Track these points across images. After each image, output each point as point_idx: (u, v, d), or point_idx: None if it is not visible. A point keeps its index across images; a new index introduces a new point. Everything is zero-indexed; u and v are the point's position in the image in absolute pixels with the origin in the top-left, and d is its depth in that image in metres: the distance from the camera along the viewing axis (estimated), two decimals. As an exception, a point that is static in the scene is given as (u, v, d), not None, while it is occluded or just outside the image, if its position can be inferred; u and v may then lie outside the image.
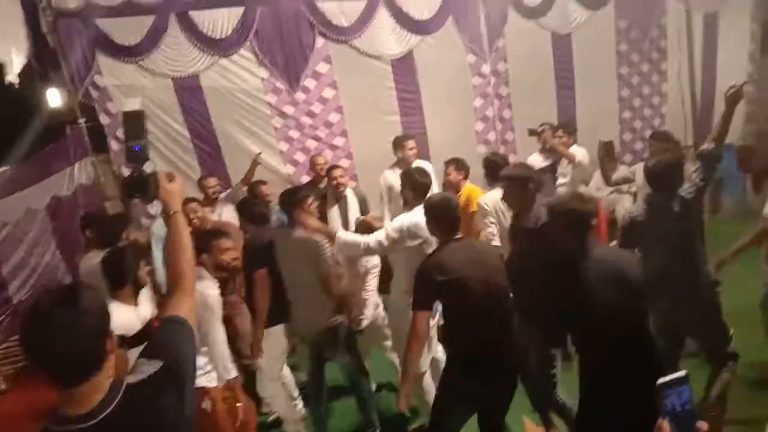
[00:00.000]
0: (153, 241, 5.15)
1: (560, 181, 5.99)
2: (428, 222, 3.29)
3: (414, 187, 3.93)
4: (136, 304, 3.37)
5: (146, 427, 1.50)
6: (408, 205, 3.98)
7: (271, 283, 4.01)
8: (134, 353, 2.17)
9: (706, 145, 3.38)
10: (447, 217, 3.19)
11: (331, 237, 3.88)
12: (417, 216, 3.59)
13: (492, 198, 4.19)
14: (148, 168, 1.92)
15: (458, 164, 4.99)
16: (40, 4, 5.57)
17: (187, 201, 5.11)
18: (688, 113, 4.09)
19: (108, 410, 1.44)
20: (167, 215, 1.89)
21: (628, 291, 2.58)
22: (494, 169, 4.39)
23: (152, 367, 1.56)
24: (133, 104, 2.63)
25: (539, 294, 2.72)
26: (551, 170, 5.97)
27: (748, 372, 4.23)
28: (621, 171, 5.51)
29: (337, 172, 5.33)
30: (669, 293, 3.22)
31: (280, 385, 4.22)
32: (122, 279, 3.30)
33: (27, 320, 1.43)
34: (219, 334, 3.33)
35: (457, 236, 3.17)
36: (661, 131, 5.54)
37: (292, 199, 3.96)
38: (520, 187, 3.59)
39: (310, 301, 3.88)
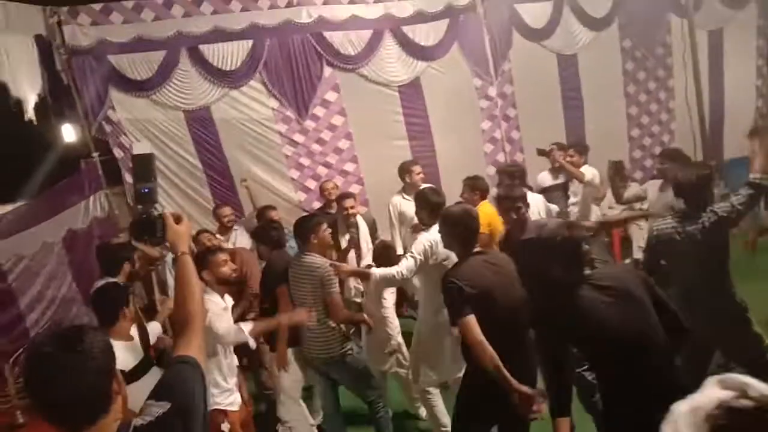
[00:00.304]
0: (167, 271, 5.21)
1: (572, 200, 6.00)
2: (445, 235, 3.32)
3: (428, 206, 4.00)
4: (131, 339, 3.36)
5: None
6: (425, 225, 4.05)
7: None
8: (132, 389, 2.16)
9: (756, 176, 3.33)
10: (466, 229, 3.22)
11: (367, 277, 4.04)
12: (435, 234, 3.67)
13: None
14: (156, 210, 1.95)
15: (471, 184, 5.01)
16: (54, 43, 5.72)
17: (200, 232, 5.18)
18: (697, 130, 4.09)
19: None
20: (175, 256, 1.90)
21: (635, 308, 2.50)
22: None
23: (161, 408, 1.51)
24: (142, 147, 2.71)
25: (535, 314, 2.71)
26: (563, 189, 5.99)
27: None
28: (632, 189, 5.52)
29: (348, 203, 5.40)
30: (698, 309, 3.17)
31: (303, 409, 4.24)
32: (112, 315, 3.24)
33: (28, 364, 1.39)
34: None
35: (476, 250, 3.21)
36: (671, 149, 5.54)
37: (307, 225, 4.04)
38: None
39: (318, 326, 3.93)
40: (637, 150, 7.92)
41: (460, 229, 3.23)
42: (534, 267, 2.60)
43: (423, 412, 4.40)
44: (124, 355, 3.14)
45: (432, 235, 3.78)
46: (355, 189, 6.89)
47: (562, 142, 6.16)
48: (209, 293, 3.47)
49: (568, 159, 5.84)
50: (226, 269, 3.62)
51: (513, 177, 4.94)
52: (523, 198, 3.94)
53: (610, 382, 2.56)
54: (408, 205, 5.61)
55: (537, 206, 4.51)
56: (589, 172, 5.86)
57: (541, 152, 5.96)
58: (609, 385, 2.58)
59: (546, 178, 6.20)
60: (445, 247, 3.42)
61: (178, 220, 1.94)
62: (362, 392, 4.12)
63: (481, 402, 3.06)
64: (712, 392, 1.12)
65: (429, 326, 3.97)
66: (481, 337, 2.92)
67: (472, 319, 2.96)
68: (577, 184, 5.85)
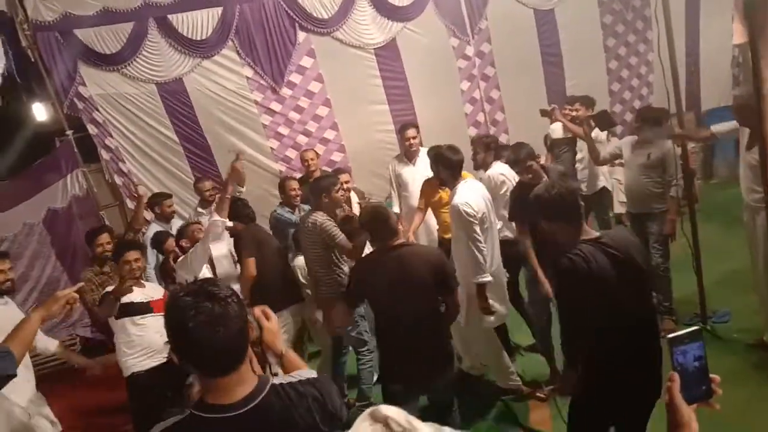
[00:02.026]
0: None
1: (579, 156, 5.97)
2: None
3: (449, 165, 3.96)
4: None
5: (285, 427, 1.56)
6: (445, 186, 4.21)
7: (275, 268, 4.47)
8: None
9: None
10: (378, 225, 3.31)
11: None
12: (466, 193, 3.85)
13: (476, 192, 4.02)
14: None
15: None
16: (16, 19, 5.55)
17: (189, 224, 5.14)
18: (669, 82, 4.07)
19: (253, 404, 1.52)
20: (277, 357, 1.89)
21: (637, 279, 2.46)
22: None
23: (308, 374, 1.68)
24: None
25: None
26: (571, 144, 5.91)
27: (742, 336, 4.28)
28: (609, 147, 5.46)
29: (343, 177, 5.20)
30: None
31: None
32: None
33: (179, 315, 1.47)
34: None
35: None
36: (645, 108, 5.49)
37: (321, 185, 4.23)
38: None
39: (327, 277, 4.19)
40: (618, 104, 7.89)
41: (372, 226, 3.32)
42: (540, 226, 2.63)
43: None
44: None
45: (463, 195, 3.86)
46: (336, 157, 6.86)
47: (581, 96, 5.99)
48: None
49: (573, 113, 5.75)
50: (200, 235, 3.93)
51: (488, 147, 4.88)
52: (532, 155, 4.14)
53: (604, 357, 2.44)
54: (404, 168, 5.66)
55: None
56: (597, 129, 5.83)
57: (544, 113, 5.88)
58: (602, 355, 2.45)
59: (558, 130, 6.10)
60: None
61: (267, 316, 1.89)
62: (359, 339, 4.35)
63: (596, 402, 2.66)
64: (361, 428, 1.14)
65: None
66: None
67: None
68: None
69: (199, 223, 4.54)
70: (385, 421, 1.12)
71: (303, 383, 1.64)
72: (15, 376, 2.23)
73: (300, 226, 4.46)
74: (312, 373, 1.71)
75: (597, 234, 2.51)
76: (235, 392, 1.53)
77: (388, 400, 3.13)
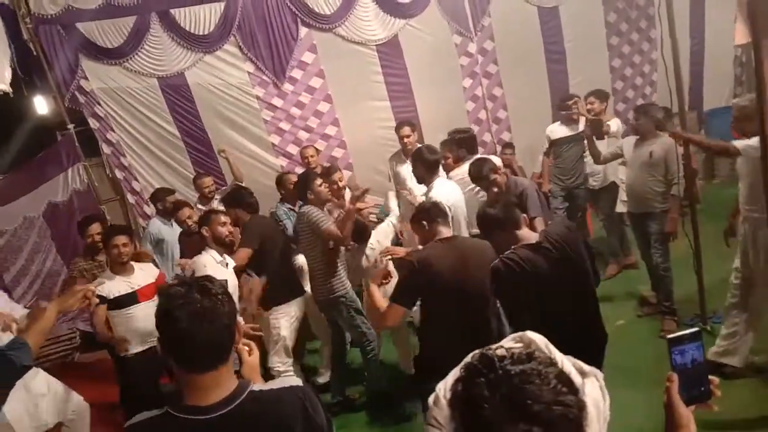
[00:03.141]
0: (144, 238, 5.45)
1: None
2: None
3: (425, 163, 4.28)
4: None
5: None
6: (423, 182, 4.40)
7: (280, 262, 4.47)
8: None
9: None
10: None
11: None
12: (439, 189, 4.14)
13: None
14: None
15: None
16: (18, 12, 5.55)
17: (180, 205, 5.16)
18: (672, 82, 4.06)
19: (230, 407, 1.50)
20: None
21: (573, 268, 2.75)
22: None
23: (291, 382, 1.64)
24: None
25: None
26: (578, 141, 5.85)
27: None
28: (610, 147, 5.43)
29: (337, 176, 5.14)
30: None
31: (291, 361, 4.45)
32: None
33: (167, 307, 1.48)
34: None
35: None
36: (645, 104, 5.41)
37: (303, 181, 4.39)
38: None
39: (321, 270, 4.25)
40: (621, 103, 7.87)
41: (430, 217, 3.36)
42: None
43: None
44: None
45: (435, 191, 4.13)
46: (337, 153, 6.85)
47: (595, 90, 5.90)
48: (207, 250, 3.87)
49: (588, 107, 5.66)
50: (223, 230, 3.88)
51: (461, 144, 4.85)
52: (494, 168, 4.21)
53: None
54: (402, 166, 5.65)
55: (452, 193, 4.28)
56: (614, 124, 5.77)
57: (562, 107, 5.83)
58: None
59: (557, 130, 6.01)
60: None
61: (250, 351, 1.86)
62: (357, 332, 4.37)
63: None
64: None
65: None
66: None
67: None
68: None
69: (222, 213, 4.46)
70: (528, 344, 1.19)
71: (286, 390, 1.61)
72: (31, 367, 2.28)
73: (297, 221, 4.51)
74: (297, 381, 1.67)
75: (536, 239, 2.79)
76: (212, 394, 1.50)
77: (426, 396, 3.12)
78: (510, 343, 1.22)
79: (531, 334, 1.23)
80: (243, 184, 5.88)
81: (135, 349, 4.10)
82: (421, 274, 3.01)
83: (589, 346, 2.62)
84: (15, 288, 6.54)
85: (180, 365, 1.51)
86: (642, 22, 7.68)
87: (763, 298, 3.86)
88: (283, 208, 5.22)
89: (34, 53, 5.80)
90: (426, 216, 3.25)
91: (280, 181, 5.37)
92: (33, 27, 5.68)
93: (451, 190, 4.27)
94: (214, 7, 6.15)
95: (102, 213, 6.32)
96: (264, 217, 4.87)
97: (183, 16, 6.09)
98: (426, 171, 4.32)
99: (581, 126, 5.80)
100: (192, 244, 4.75)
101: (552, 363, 1.08)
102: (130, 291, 4.07)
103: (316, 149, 6.10)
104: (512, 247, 2.75)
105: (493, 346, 1.14)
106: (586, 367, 1.20)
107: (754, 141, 3.38)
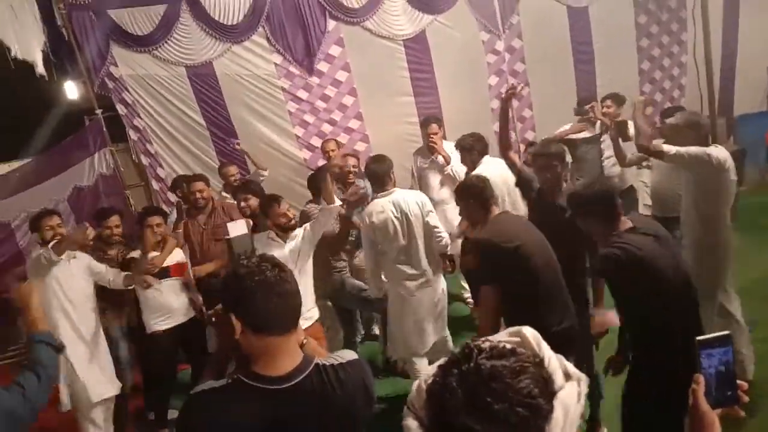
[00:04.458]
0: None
1: (606, 154, 5.84)
2: None
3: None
4: None
5: (327, 405, 1.60)
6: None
7: None
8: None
9: None
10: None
11: None
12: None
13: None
14: None
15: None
16: (53, -2, 5.63)
17: (196, 178, 5.21)
18: (704, 86, 4.00)
19: (299, 378, 1.58)
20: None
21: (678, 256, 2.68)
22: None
23: (349, 356, 1.73)
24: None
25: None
26: (594, 142, 5.80)
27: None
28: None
29: (351, 161, 5.25)
30: None
31: None
32: None
33: (251, 271, 1.59)
34: None
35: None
36: (671, 108, 5.34)
37: (317, 178, 4.54)
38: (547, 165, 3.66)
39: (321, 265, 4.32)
40: (649, 106, 7.76)
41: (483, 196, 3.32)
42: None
43: None
44: None
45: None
46: (360, 146, 6.85)
47: (612, 94, 5.80)
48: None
49: (604, 110, 5.61)
50: (283, 219, 3.93)
51: (471, 150, 4.77)
52: (560, 156, 3.78)
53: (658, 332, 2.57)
54: (426, 162, 5.63)
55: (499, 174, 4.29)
56: (632, 126, 5.70)
57: (580, 111, 5.78)
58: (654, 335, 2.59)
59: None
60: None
61: None
62: (368, 305, 4.61)
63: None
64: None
65: None
66: None
67: None
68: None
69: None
70: (522, 340, 1.19)
71: (348, 364, 1.68)
72: (63, 348, 2.31)
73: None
74: (353, 354, 1.74)
75: (630, 224, 2.65)
76: (284, 362, 1.58)
77: None
78: (504, 336, 1.21)
79: (525, 330, 1.21)
80: (266, 174, 5.95)
81: (161, 325, 4.28)
82: (501, 250, 2.94)
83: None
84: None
85: (258, 328, 1.58)
86: (673, 24, 7.58)
87: None
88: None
89: (67, 39, 5.87)
90: (478, 193, 3.23)
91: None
92: (66, 13, 5.75)
93: (496, 167, 4.33)
94: (244, -3, 6.18)
95: (126, 198, 6.41)
96: None
97: (212, 5, 6.13)
98: (479, 156, 4.59)
99: (597, 129, 5.77)
100: (190, 229, 4.95)
101: (535, 362, 1.07)
102: (164, 265, 4.32)
103: (338, 143, 6.09)
104: (615, 232, 2.63)
105: (485, 338, 1.14)
106: (573, 370, 1.17)
107: (694, 150, 3.53)
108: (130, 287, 4.30)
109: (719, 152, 3.64)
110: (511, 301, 2.99)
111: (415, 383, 1.20)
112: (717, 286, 3.73)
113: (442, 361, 1.13)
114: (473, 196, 3.28)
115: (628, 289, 2.61)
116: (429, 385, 1.09)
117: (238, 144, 6.25)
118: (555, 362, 1.15)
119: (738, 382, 1.34)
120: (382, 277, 4.23)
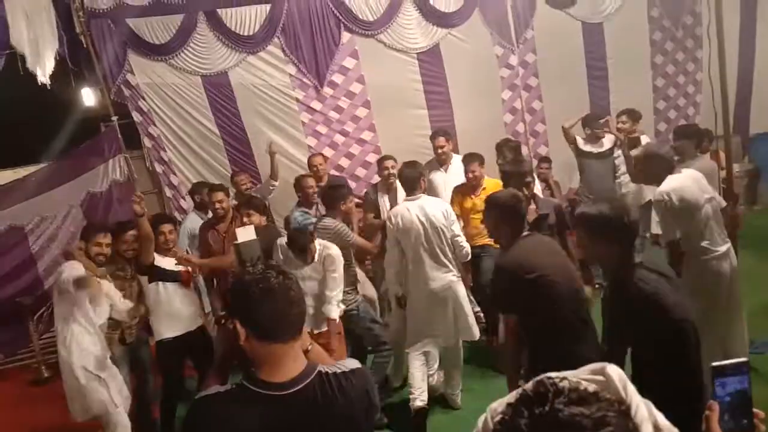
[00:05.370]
0: (180, 232, 5.37)
1: (622, 169, 5.83)
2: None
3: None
4: None
5: (329, 413, 1.61)
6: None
7: None
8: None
9: None
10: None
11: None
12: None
13: None
14: None
15: (480, 159, 5.02)
16: (72, 5, 5.71)
17: (216, 188, 5.25)
18: (719, 104, 3.97)
19: (301, 385, 1.58)
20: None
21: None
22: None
23: (353, 364, 1.73)
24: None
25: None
26: (605, 158, 5.80)
27: None
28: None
29: (388, 163, 5.36)
30: None
31: None
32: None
33: (256, 279, 1.60)
34: None
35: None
36: (685, 125, 5.35)
37: (339, 193, 4.54)
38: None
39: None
40: (662, 123, 7.74)
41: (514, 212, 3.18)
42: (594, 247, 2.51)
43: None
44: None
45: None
46: (372, 158, 6.85)
47: (627, 109, 5.89)
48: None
49: (619, 126, 5.64)
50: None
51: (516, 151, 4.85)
52: (531, 172, 4.13)
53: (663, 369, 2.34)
54: (436, 174, 5.65)
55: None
56: (645, 141, 5.70)
57: (590, 124, 5.79)
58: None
59: (580, 143, 5.98)
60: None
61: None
62: (375, 339, 4.45)
63: None
64: None
65: None
66: None
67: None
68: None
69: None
70: (607, 380, 1.07)
71: (350, 374, 1.67)
72: None
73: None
74: (356, 363, 1.74)
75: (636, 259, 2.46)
76: (287, 369, 1.59)
77: None
78: (585, 373, 1.08)
79: (611, 369, 1.08)
80: (276, 184, 5.97)
81: (170, 333, 4.31)
82: (520, 280, 2.84)
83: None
84: (47, 278, 6.63)
85: (263, 335, 1.58)
86: (688, 41, 7.56)
87: None
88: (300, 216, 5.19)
89: (85, 46, 5.95)
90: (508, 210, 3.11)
91: (298, 183, 5.54)
92: (85, 20, 5.83)
93: None
94: (260, 8, 6.25)
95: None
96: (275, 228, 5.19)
97: (229, 16, 6.20)
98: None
99: (606, 145, 5.79)
100: (210, 237, 5.05)
101: (620, 410, 0.94)
102: (175, 269, 4.36)
103: (324, 157, 6.13)
104: (624, 266, 2.38)
105: (562, 375, 1.00)
106: (664, 422, 1.05)
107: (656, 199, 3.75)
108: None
109: (679, 181, 3.73)
110: (534, 332, 2.90)
111: (482, 418, 1.10)
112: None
113: (512, 397, 1.00)
114: (504, 211, 3.13)
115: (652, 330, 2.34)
116: (495, 423, 0.98)
117: (270, 146, 6.17)
118: (643, 411, 1.01)
119: (754, 410, 1.31)
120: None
